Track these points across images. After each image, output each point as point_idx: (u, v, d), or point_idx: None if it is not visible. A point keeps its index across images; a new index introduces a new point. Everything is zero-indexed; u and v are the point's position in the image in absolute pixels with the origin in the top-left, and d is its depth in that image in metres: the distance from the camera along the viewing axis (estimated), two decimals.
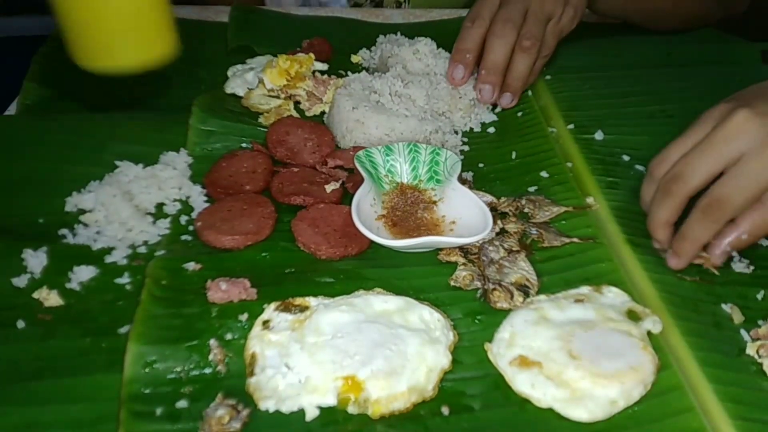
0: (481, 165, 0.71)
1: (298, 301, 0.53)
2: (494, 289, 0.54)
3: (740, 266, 0.59)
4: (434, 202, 0.63)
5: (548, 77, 0.85)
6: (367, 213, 0.59)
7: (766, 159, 0.52)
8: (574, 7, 0.79)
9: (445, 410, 0.46)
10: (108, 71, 0.68)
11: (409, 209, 0.62)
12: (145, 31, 0.69)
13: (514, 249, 0.59)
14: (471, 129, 0.77)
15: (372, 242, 0.58)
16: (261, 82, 0.79)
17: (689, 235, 0.55)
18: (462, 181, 0.65)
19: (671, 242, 0.57)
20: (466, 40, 0.76)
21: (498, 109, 0.80)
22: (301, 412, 0.46)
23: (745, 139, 0.52)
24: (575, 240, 0.60)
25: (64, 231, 0.59)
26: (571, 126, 0.77)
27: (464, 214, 0.61)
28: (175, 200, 0.64)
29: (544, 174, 0.69)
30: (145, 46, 0.69)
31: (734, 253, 0.58)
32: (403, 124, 0.71)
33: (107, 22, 0.67)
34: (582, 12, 0.81)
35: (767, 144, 0.52)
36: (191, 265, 0.56)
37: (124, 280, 0.55)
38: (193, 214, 0.62)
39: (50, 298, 0.53)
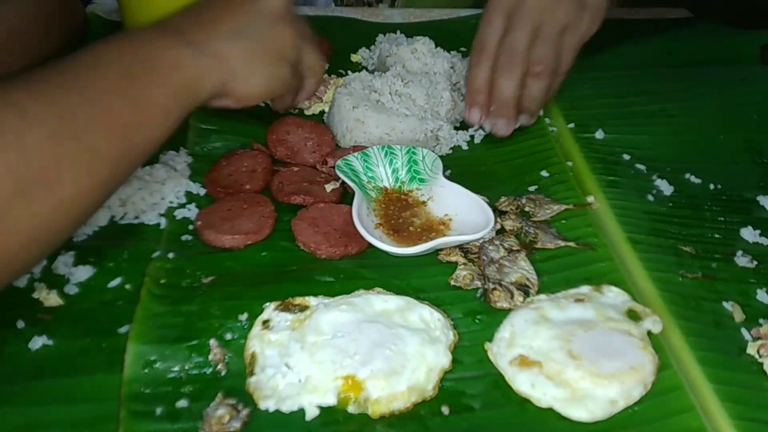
0: (481, 165, 0.71)
1: (298, 300, 0.52)
2: (494, 289, 0.54)
3: (743, 261, 0.59)
4: (423, 202, 0.63)
5: None
6: (365, 223, 0.58)
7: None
8: (591, 12, 0.70)
9: (445, 410, 0.46)
10: None
11: (403, 214, 0.61)
12: None
13: (514, 248, 0.58)
14: (472, 137, 0.75)
15: None
16: None
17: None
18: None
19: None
20: (476, 79, 0.71)
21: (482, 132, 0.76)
22: (301, 412, 0.45)
23: None
24: (571, 244, 0.60)
25: None
26: (572, 125, 0.77)
27: (460, 209, 0.61)
28: (174, 199, 0.64)
29: (544, 173, 0.69)
30: None
31: (738, 249, 0.60)
32: (404, 123, 0.70)
33: None
34: (603, 13, 0.71)
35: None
36: (191, 265, 0.56)
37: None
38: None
39: (50, 298, 0.53)
